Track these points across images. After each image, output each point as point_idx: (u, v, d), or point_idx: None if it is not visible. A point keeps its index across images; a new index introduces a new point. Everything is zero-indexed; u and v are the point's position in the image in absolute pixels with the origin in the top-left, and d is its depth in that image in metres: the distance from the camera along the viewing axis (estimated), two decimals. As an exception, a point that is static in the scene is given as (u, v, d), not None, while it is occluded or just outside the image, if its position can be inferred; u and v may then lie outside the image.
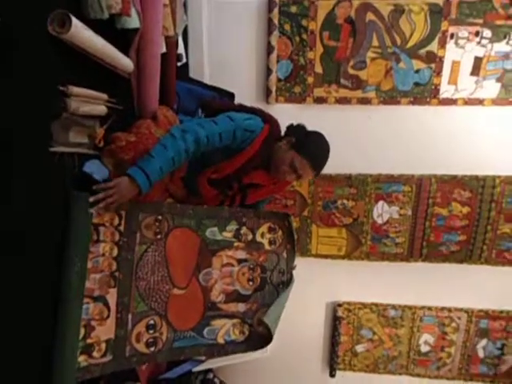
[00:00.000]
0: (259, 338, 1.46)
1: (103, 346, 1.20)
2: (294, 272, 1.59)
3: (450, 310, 2.33)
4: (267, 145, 1.49)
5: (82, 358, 1.14)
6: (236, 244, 1.50)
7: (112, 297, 1.23)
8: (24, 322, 0.97)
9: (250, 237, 1.52)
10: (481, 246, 2.22)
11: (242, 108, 1.61)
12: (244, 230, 1.51)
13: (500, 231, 2.20)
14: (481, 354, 2.38)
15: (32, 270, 0.98)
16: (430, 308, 2.34)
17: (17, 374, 0.96)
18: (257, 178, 1.58)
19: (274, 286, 1.53)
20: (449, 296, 2.33)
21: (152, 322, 1.33)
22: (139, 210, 1.31)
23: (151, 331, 1.32)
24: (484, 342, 2.36)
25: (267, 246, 1.54)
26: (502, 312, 2.31)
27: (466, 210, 2.20)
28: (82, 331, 1.15)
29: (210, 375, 2.25)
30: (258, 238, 1.53)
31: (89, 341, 1.17)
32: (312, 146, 1.49)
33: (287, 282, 1.55)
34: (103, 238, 1.21)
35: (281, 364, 2.50)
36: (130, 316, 1.28)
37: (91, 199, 1.13)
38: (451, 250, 2.25)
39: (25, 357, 0.99)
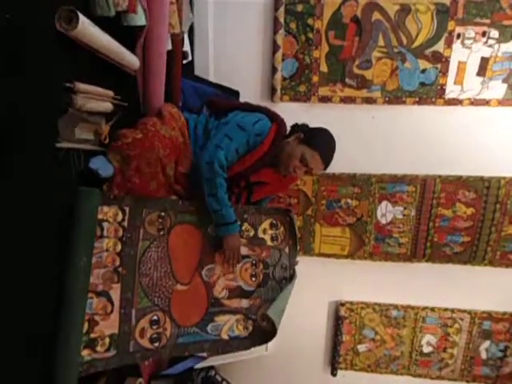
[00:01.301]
0: (263, 333, 1.47)
1: (107, 340, 1.22)
2: (297, 269, 1.60)
3: (452, 311, 2.32)
4: (276, 143, 1.52)
5: (85, 352, 1.15)
6: None
7: (115, 292, 1.24)
8: (28, 316, 0.98)
9: (251, 233, 1.53)
10: (485, 247, 2.21)
11: (248, 106, 1.63)
12: (246, 226, 1.52)
13: (504, 233, 2.18)
14: (483, 355, 2.37)
15: (36, 265, 0.99)
16: (432, 309, 2.34)
17: (21, 367, 0.97)
18: (264, 176, 1.60)
19: (276, 281, 1.54)
20: (452, 297, 2.32)
21: (156, 317, 1.34)
22: (143, 206, 1.32)
23: (155, 327, 1.33)
24: (487, 343, 2.35)
25: (269, 242, 1.55)
26: (505, 314, 2.29)
27: (470, 211, 2.19)
28: (86, 326, 1.16)
29: (212, 372, 2.25)
30: (260, 234, 1.54)
31: (92, 335, 1.18)
32: (321, 140, 1.53)
33: (290, 278, 1.56)
34: (107, 234, 1.22)
35: (282, 362, 2.51)
36: (133, 311, 1.29)
37: None
38: (455, 251, 2.24)
39: (29, 351, 1.00)
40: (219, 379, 2.23)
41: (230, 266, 1.49)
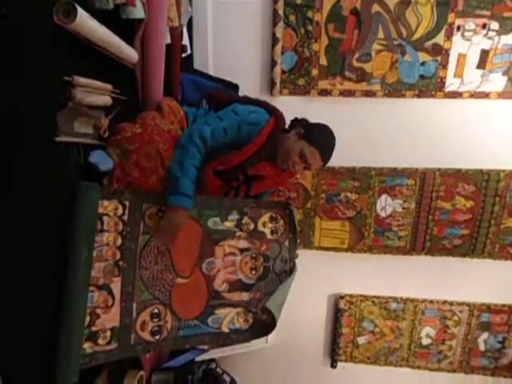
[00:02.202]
0: (263, 325, 1.48)
1: (108, 333, 1.23)
2: (297, 262, 1.61)
3: (451, 303, 2.34)
4: (273, 137, 1.51)
5: (87, 345, 1.16)
6: (238, 234, 1.51)
7: (116, 285, 1.25)
8: (31, 310, 0.99)
9: (251, 226, 1.53)
10: (484, 240, 2.22)
11: (247, 100, 1.62)
12: (246, 219, 1.53)
13: (503, 225, 2.19)
14: (482, 347, 2.39)
15: (37, 259, 0.99)
16: (431, 301, 2.35)
17: (24, 360, 0.98)
18: (262, 169, 1.60)
19: (276, 274, 1.55)
20: (451, 290, 2.33)
21: (156, 310, 1.34)
22: (143, 200, 1.32)
23: (156, 320, 1.34)
24: (485, 335, 2.37)
25: (269, 236, 1.55)
26: (503, 306, 2.31)
27: (469, 204, 2.19)
28: (87, 319, 1.17)
29: (213, 365, 2.27)
30: (260, 228, 1.55)
31: (94, 328, 1.19)
32: (320, 136, 1.52)
33: (290, 271, 1.56)
34: (107, 228, 1.22)
35: (283, 355, 2.53)
36: (134, 305, 1.30)
37: None
38: (454, 243, 2.25)
39: (31, 344, 1.00)
40: (220, 372, 2.25)
41: (157, 240, 1.34)
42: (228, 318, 1.47)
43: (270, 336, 2.29)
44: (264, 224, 1.56)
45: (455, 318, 2.36)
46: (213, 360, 2.30)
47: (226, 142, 1.45)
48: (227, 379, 2.23)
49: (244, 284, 1.51)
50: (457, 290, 2.32)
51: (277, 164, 1.57)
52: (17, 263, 0.93)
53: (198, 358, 2.20)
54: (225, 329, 1.47)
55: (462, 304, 2.33)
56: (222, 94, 1.73)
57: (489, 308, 2.32)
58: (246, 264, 1.52)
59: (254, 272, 1.52)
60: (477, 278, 2.30)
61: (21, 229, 0.93)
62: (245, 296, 1.51)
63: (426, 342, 2.42)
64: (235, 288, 1.50)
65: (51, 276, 1.06)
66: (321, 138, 1.52)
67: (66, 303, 1.09)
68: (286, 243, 1.58)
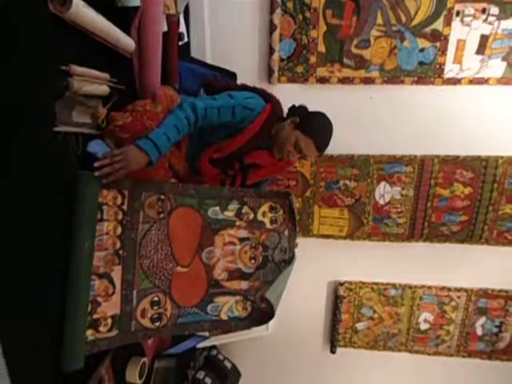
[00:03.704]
0: (262, 314, 1.50)
1: (109, 321, 1.24)
2: (296, 251, 1.62)
3: (449, 289, 2.36)
4: (269, 124, 1.50)
5: (88, 333, 1.18)
6: (238, 223, 1.52)
7: (117, 274, 1.26)
8: (35, 299, 1.00)
9: (251, 216, 1.54)
10: (482, 226, 2.23)
11: (245, 88, 1.62)
12: (245, 209, 1.53)
13: (501, 212, 2.20)
14: (479, 331, 2.42)
15: (39, 250, 1.00)
16: (429, 287, 2.38)
17: (28, 347, 0.99)
18: (259, 158, 1.60)
19: (276, 263, 1.56)
20: (449, 275, 2.36)
21: (156, 298, 1.36)
22: (142, 189, 1.33)
23: (156, 307, 1.36)
24: (482, 319, 2.40)
25: (268, 225, 1.56)
26: (501, 291, 2.34)
27: (467, 190, 2.20)
28: (89, 307, 1.18)
29: (214, 352, 2.30)
30: (260, 217, 1.55)
31: (95, 316, 1.20)
32: (316, 126, 1.50)
33: (289, 260, 1.57)
34: (106, 217, 1.23)
35: (283, 341, 2.56)
36: (134, 293, 1.31)
37: (97, 173, 1.11)
38: (452, 230, 2.26)
39: (36, 331, 1.02)
40: (221, 358, 2.28)
41: (108, 168, 1.14)
42: (227, 306, 1.49)
43: (271, 323, 2.31)
44: (263, 214, 1.56)
45: (453, 303, 2.39)
46: (214, 347, 2.33)
47: (221, 126, 1.44)
48: (228, 366, 2.27)
49: (243, 273, 1.53)
50: (455, 275, 2.35)
51: (273, 153, 1.57)
52: (19, 254, 0.93)
53: (200, 345, 2.23)
54: (224, 316, 1.49)
55: (459, 290, 2.36)
56: (220, 82, 1.72)
57: (486, 293, 2.35)
58: (246, 253, 1.53)
59: (253, 261, 1.53)
60: (474, 264, 2.32)
61: (22, 219, 0.94)
62: (244, 285, 1.52)
63: (424, 327, 2.45)
64: (234, 277, 1.51)
65: (54, 265, 1.07)
66: (316, 128, 1.50)
67: (70, 292, 1.10)
68: (286, 233, 1.59)
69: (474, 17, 1.98)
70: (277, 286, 1.48)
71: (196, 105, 1.34)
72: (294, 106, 1.63)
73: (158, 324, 1.37)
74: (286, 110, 1.62)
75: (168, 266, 1.39)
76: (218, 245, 1.50)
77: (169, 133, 1.26)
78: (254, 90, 1.60)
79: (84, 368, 1.14)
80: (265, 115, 1.48)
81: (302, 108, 1.61)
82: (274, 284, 1.48)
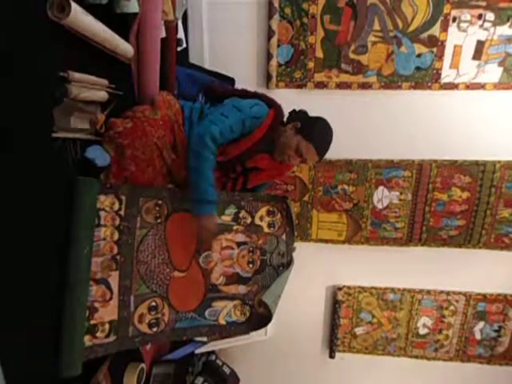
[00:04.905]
0: (260, 318, 1.50)
1: (107, 326, 1.24)
2: (295, 255, 1.62)
3: (448, 293, 2.36)
4: (273, 129, 1.52)
5: (86, 338, 1.18)
6: (235, 227, 1.52)
7: (114, 279, 1.26)
8: (34, 305, 1.00)
9: (248, 220, 1.54)
10: (480, 230, 2.23)
11: (245, 93, 1.62)
12: (243, 213, 1.54)
13: (499, 216, 2.21)
14: (478, 336, 2.42)
15: (37, 256, 1.00)
16: (428, 291, 2.37)
17: (27, 353, 0.99)
18: (260, 162, 1.61)
19: (274, 267, 1.56)
20: (447, 280, 2.35)
21: (154, 303, 1.36)
22: (139, 194, 1.33)
23: (153, 312, 1.36)
24: (481, 324, 2.40)
25: (266, 229, 1.56)
26: (499, 295, 2.33)
27: (465, 195, 2.20)
28: (86, 313, 1.18)
29: (213, 357, 2.29)
30: (257, 221, 1.56)
31: (92, 322, 1.20)
32: (317, 131, 1.52)
33: (287, 264, 1.57)
34: (104, 223, 1.23)
35: (282, 346, 2.55)
36: (132, 298, 1.31)
37: None
38: (450, 234, 2.26)
39: (35, 337, 1.02)
40: (220, 363, 2.27)
41: (199, 251, 1.43)
42: (225, 311, 1.49)
43: (269, 328, 2.32)
44: (261, 218, 1.57)
45: (452, 307, 2.38)
46: (213, 352, 2.32)
47: (232, 138, 1.47)
48: (227, 371, 2.26)
49: (241, 277, 1.53)
50: (453, 280, 2.35)
51: (274, 157, 1.58)
52: (17, 259, 0.93)
53: (198, 351, 2.22)
54: (222, 321, 1.48)
55: (458, 294, 2.36)
56: (219, 87, 1.72)
57: (485, 297, 2.35)
58: (243, 257, 1.53)
59: (251, 265, 1.53)
60: (473, 268, 2.32)
61: (20, 224, 0.94)
62: (242, 289, 1.52)
63: (423, 331, 2.45)
64: (232, 281, 1.51)
65: (53, 271, 1.07)
66: (317, 133, 1.51)
67: (69, 297, 1.10)
68: (283, 237, 1.59)
69: (471, 23, 1.99)
70: (274, 289, 1.48)
71: (215, 135, 1.36)
72: (294, 111, 1.64)
73: (155, 329, 1.37)
74: (286, 115, 1.63)
75: (165, 270, 1.39)
76: (215, 249, 1.50)
77: (211, 180, 1.35)
78: (255, 94, 1.61)
79: (82, 374, 1.13)
80: (269, 121, 1.50)
81: (303, 113, 1.63)
82: (272, 288, 1.48)
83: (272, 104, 1.56)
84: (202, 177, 1.33)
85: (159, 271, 1.37)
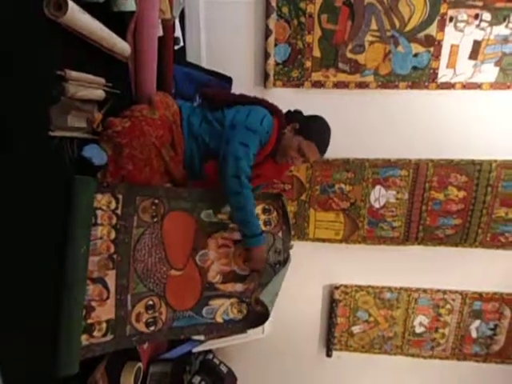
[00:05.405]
0: (257, 316, 1.50)
1: (104, 325, 1.24)
2: (292, 254, 1.62)
3: (444, 292, 2.37)
4: (279, 138, 1.53)
5: (83, 338, 1.17)
6: (231, 225, 1.53)
7: (111, 278, 1.26)
8: (30, 304, 1.00)
9: None
10: (476, 229, 2.24)
11: (244, 98, 1.62)
12: None
13: (495, 215, 2.22)
14: (474, 334, 2.43)
15: (34, 255, 1.00)
16: (425, 290, 2.38)
17: (23, 352, 0.99)
18: (265, 169, 1.61)
19: (270, 265, 1.56)
20: (444, 278, 2.36)
21: (151, 302, 1.36)
22: (136, 193, 1.33)
23: (150, 311, 1.36)
24: (477, 322, 2.41)
25: (262, 227, 1.57)
26: (495, 294, 2.35)
27: (462, 194, 2.21)
28: (83, 311, 1.18)
29: (210, 356, 2.29)
30: None
31: (90, 321, 1.20)
32: (316, 129, 1.54)
33: (284, 261, 1.58)
34: (101, 222, 1.23)
35: (279, 345, 2.56)
36: (129, 297, 1.31)
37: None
38: (447, 233, 2.27)
39: (32, 337, 1.02)
40: (217, 362, 2.27)
41: (256, 279, 1.53)
42: (222, 309, 1.49)
43: (267, 326, 2.32)
44: (257, 216, 1.57)
45: (448, 306, 2.40)
46: (210, 351, 2.32)
47: None
48: (224, 370, 2.26)
49: (238, 275, 1.53)
50: (449, 278, 2.36)
51: (275, 159, 1.59)
52: (14, 259, 0.93)
53: (196, 349, 2.22)
54: (219, 319, 1.49)
55: (454, 292, 2.37)
56: (217, 91, 1.71)
57: (481, 296, 2.36)
58: (240, 255, 1.53)
59: (247, 263, 1.53)
60: (469, 267, 2.33)
61: (17, 223, 0.93)
62: (238, 287, 1.52)
63: (419, 330, 2.46)
64: (229, 279, 1.52)
65: (50, 270, 1.07)
66: (316, 130, 1.53)
67: (66, 296, 1.10)
68: (280, 234, 1.60)
69: (467, 22, 2.00)
70: (271, 287, 1.48)
71: (247, 171, 1.40)
72: (289, 112, 1.65)
73: (153, 328, 1.37)
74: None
75: (162, 269, 1.39)
76: (211, 247, 1.50)
77: (255, 213, 1.45)
78: (255, 100, 1.60)
79: (79, 373, 1.13)
80: (276, 132, 1.51)
81: (298, 113, 1.64)
82: (269, 285, 1.48)
83: (274, 111, 1.57)
84: (249, 214, 1.41)
85: (156, 270, 1.37)
